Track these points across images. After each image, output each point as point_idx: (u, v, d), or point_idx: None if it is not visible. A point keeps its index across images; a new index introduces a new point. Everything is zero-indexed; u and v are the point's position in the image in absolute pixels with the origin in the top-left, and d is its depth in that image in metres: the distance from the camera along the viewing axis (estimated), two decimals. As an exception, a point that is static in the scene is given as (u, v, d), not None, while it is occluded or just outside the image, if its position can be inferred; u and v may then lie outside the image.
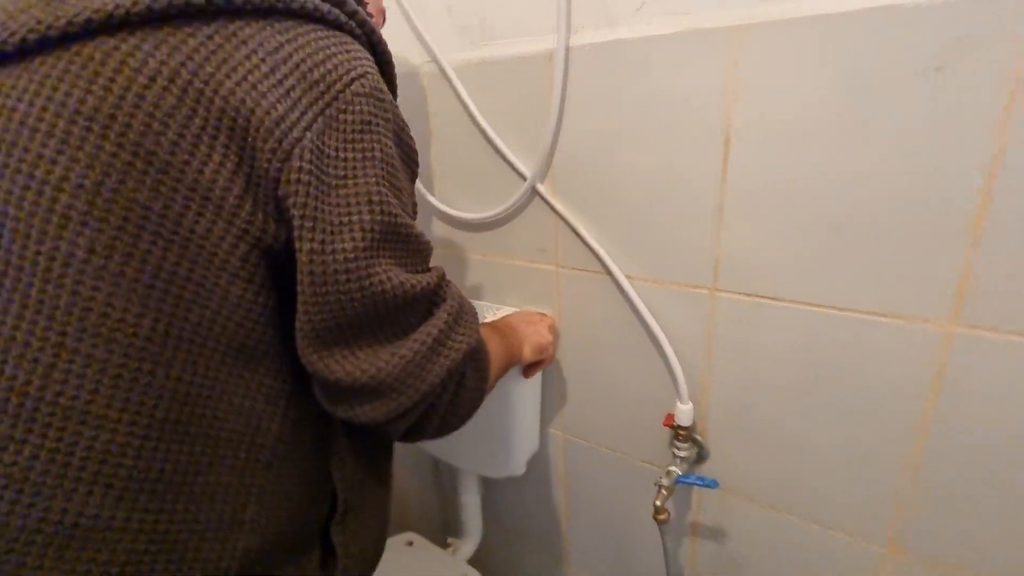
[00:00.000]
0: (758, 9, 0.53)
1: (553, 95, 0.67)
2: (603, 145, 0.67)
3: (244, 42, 0.35)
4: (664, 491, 0.67)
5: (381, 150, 0.40)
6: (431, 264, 0.48)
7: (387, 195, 0.40)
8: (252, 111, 0.35)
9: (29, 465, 0.32)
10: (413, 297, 0.42)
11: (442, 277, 0.47)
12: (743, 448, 0.69)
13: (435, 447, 0.94)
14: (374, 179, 0.40)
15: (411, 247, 0.44)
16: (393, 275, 0.41)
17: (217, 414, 0.38)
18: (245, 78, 0.35)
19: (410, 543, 1.01)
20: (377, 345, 0.42)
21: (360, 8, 0.44)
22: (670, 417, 0.69)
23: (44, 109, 0.32)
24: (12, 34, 0.32)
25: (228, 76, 0.34)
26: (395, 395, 0.42)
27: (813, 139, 0.53)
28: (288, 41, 0.37)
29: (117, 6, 0.32)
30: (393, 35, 0.81)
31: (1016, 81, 0.44)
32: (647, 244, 0.68)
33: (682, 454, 0.69)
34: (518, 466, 0.86)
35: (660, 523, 0.67)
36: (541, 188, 0.73)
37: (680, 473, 0.68)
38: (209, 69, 0.34)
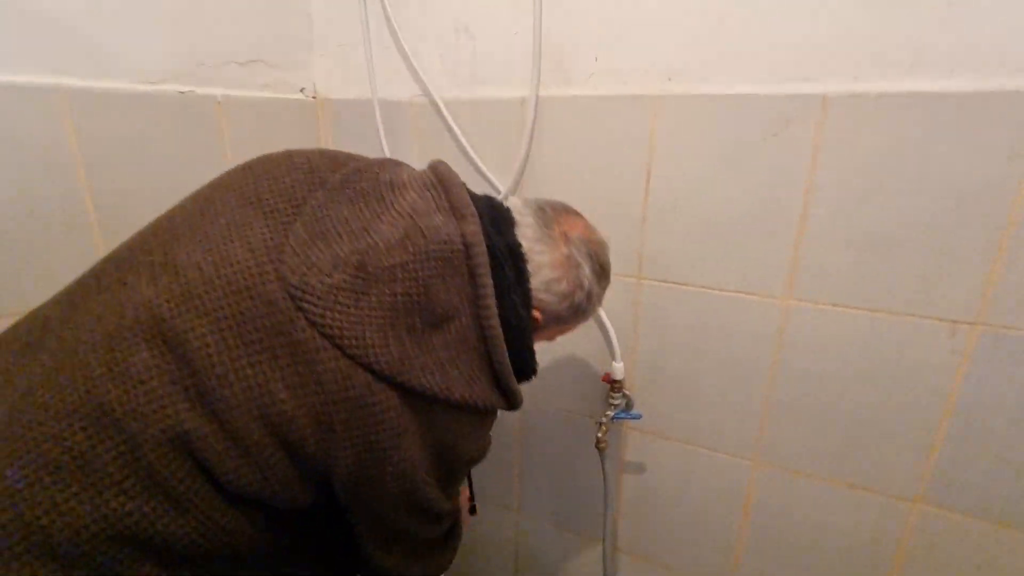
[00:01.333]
0: (668, 85, 0.79)
1: (524, 130, 0.90)
2: (561, 170, 0.90)
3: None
4: (604, 426, 0.90)
5: None
6: None
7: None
8: None
9: None
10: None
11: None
12: (658, 396, 0.93)
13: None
14: None
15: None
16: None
17: None
18: None
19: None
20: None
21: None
22: (608, 374, 0.93)
23: None
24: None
25: None
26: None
27: (702, 173, 0.80)
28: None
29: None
30: (392, 71, 1.01)
31: (815, 146, 0.72)
32: (592, 244, 0.91)
33: (615, 402, 0.92)
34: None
35: (601, 450, 0.90)
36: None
37: (614, 413, 0.91)
38: None
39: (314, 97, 1.10)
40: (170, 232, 0.49)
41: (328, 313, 0.44)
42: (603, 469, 0.95)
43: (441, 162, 0.56)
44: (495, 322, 0.49)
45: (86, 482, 0.41)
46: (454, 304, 0.48)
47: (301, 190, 0.49)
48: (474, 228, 0.49)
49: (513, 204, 0.60)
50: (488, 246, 0.49)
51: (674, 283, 0.86)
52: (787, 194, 0.75)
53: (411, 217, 0.48)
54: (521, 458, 1.13)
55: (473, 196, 0.54)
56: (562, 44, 0.85)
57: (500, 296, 0.50)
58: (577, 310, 0.59)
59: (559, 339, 0.99)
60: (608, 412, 0.92)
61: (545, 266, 0.55)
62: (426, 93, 0.98)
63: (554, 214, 0.59)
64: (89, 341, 0.44)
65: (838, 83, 0.69)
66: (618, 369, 0.91)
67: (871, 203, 0.71)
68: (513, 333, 0.52)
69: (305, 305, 0.44)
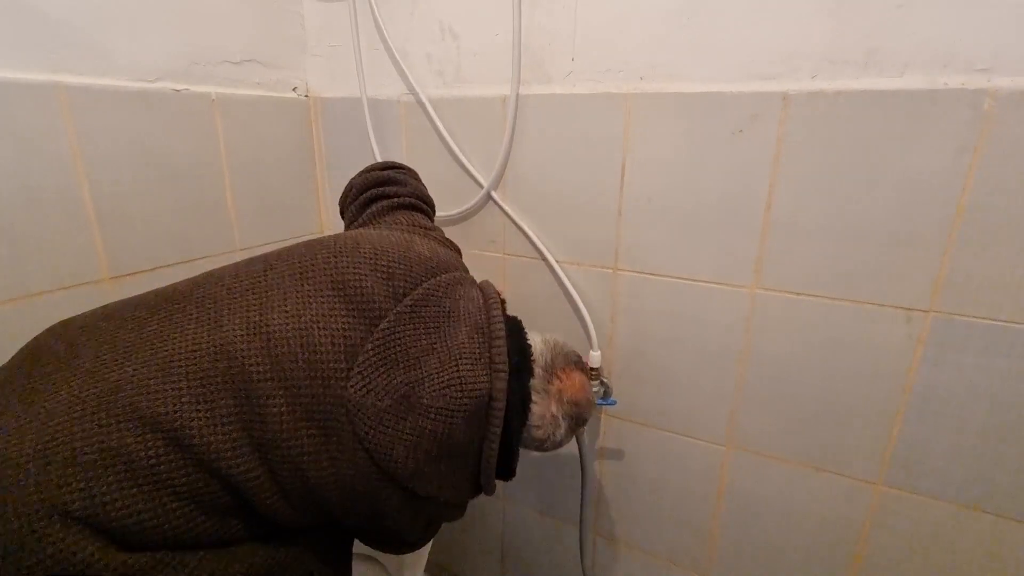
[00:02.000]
0: (639, 83, 0.83)
1: (506, 127, 0.93)
2: (541, 165, 0.94)
3: None
4: (581, 412, 0.93)
5: None
6: None
7: None
8: None
9: None
10: None
11: None
12: (635, 383, 0.97)
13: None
14: None
15: None
16: None
17: None
18: None
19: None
20: None
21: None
22: (585, 363, 0.96)
23: None
24: None
25: None
26: None
27: (673, 167, 0.83)
28: None
29: None
30: (381, 71, 1.04)
31: (778, 139, 0.76)
32: (571, 237, 0.95)
33: (593, 389, 0.96)
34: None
35: (578, 436, 0.93)
36: (495, 194, 0.99)
37: (592, 401, 0.94)
38: None
39: (307, 96, 1.14)
40: (264, 288, 0.58)
41: (372, 432, 0.54)
42: (580, 455, 0.99)
43: (492, 299, 0.64)
44: (493, 460, 0.60)
45: (149, 483, 0.49)
46: (468, 439, 0.58)
47: (379, 300, 0.58)
48: (501, 385, 0.57)
49: (535, 345, 0.69)
50: (508, 398, 0.58)
51: (649, 274, 0.90)
52: (753, 187, 0.79)
53: (456, 365, 0.57)
54: (506, 446, 1.17)
55: (508, 337, 0.62)
56: (541, 44, 0.89)
57: (502, 435, 0.60)
58: (540, 448, 0.70)
59: (539, 329, 1.03)
60: (586, 399, 0.95)
61: (534, 414, 0.65)
62: (413, 92, 1.02)
63: (559, 368, 0.69)
64: (183, 367, 0.53)
65: (798, 82, 0.73)
66: (595, 357, 0.94)
67: (831, 196, 0.74)
68: (503, 457, 0.62)
69: (357, 420, 0.54)
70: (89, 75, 0.78)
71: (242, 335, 0.54)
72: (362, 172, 0.86)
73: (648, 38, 0.81)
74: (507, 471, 0.65)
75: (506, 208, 0.99)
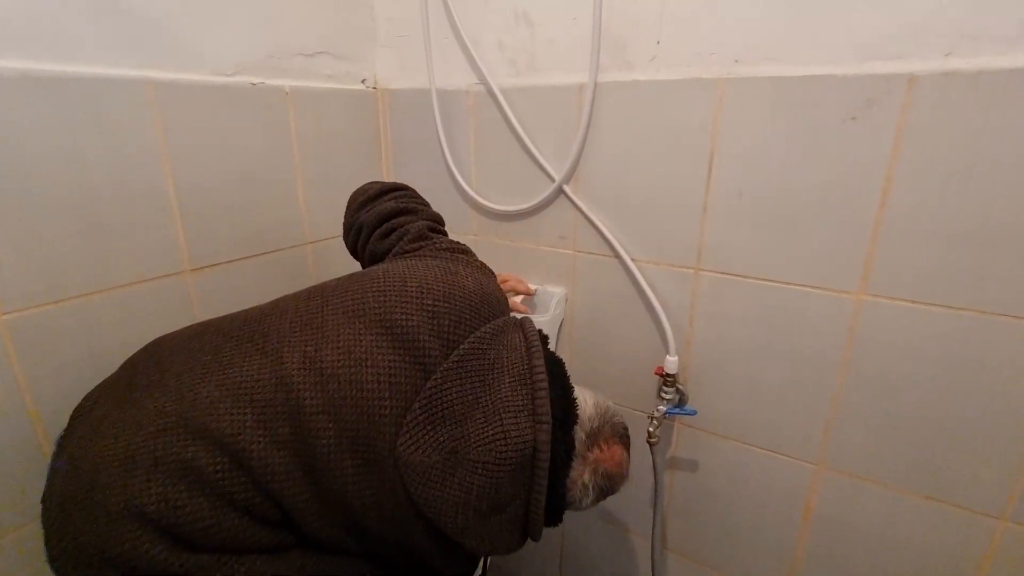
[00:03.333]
0: (734, 68, 0.76)
1: (582, 117, 0.88)
2: (618, 157, 0.88)
3: None
4: (656, 421, 0.88)
5: None
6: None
7: None
8: None
9: None
10: None
11: None
12: (714, 392, 0.90)
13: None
14: None
15: None
16: None
17: None
18: None
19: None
20: None
21: None
22: (660, 368, 0.90)
23: None
24: None
25: None
26: None
27: (769, 159, 0.76)
28: None
29: None
30: (451, 61, 1.01)
31: (899, 128, 0.67)
32: (649, 234, 0.89)
33: (668, 396, 0.90)
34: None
35: (652, 445, 0.88)
36: (567, 188, 0.94)
37: (667, 408, 0.89)
38: None
39: (375, 88, 1.13)
40: (320, 324, 0.61)
41: (419, 488, 0.55)
42: (653, 465, 0.93)
43: (534, 346, 0.62)
44: (541, 512, 0.59)
45: (214, 494, 0.54)
46: (514, 493, 0.57)
47: (424, 339, 0.59)
48: (545, 437, 0.56)
49: (585, 406, 0.66)
50: (552, 449, 0.57)
51: (735, 275, 0.83)
52: (865, 182, 0.70)
53: (500, 419, 0.56)
54: (569, 450, 1.13)
55: (552, 386, 0.60)
56: (623, 28, 0.83)
57: (550, 487, 0.59)
58: (569, 509, 0.67)
59: (610, 330, 0.98)
60: (660, 407, 0.89)
61: (567, 477, 0.63)
62: (483, 81, 0.98)
63: (603, 438, 0.66)
64: (247, 394, 0.57)
65: (927, 61, 0.64)
66: (672, 363, 0.88)
67: (960, 193, 0.65)
68: (552, 506, 0.61)
69: (405, 474, 0.55)
70: (175, 70, 0.79)
71: (299, 369, 0.58)
72: (363, 204, 0.82)
73: (746, 16, 0.74)
74: (555, 519, 0.64)
75: (578, 202, 0.94)
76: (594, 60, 0.85)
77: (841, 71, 0.68)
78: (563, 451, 0.60)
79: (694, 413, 0.89)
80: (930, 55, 0.64)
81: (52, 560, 0.57)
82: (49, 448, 0.70)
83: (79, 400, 0.67)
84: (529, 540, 0.64)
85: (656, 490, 0.96)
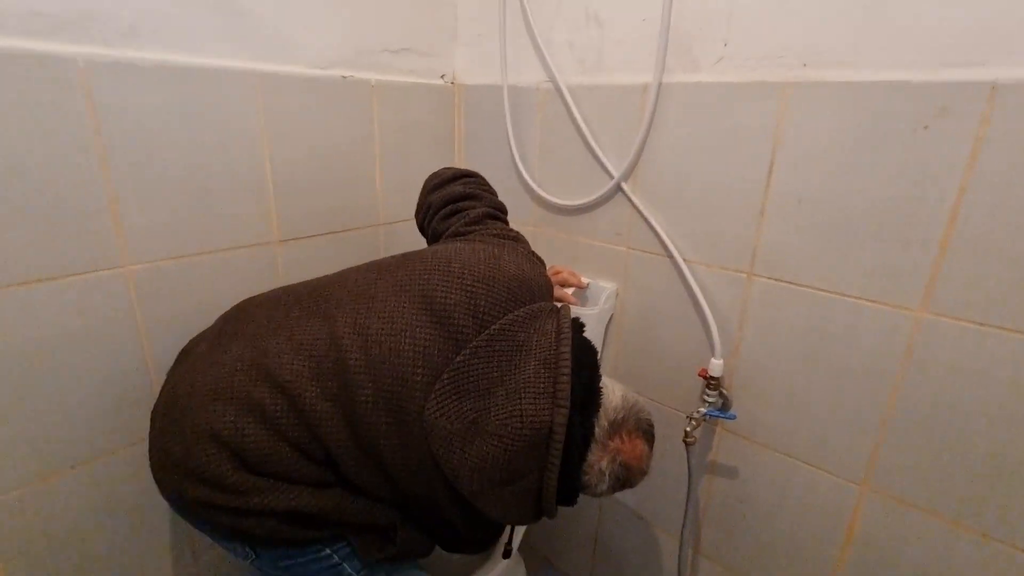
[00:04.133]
0: (801, 71, 0.74)
1: (644, 117, 0.90)
2: (678, 158, 0.89)
3: None
4: (694, 422, 0.88)
5: None
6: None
7: None
8: None
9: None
10: None
11: None
12: (758, 399, 0.89)
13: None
14: None
15: None
16: None
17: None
18: None
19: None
20: None
21: None
22: (704, 370, 0.90)
23: None
24: None
25: None
26: None
27: (833, 166, 0.74)
28: None
29: None
30: (523, 59, 1.06)
31: (977, 139, 0.63)
32: (703, 236, 0.89)
33: (710, 399, 0.90)
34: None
35: (688, 445, 0.89)
36: (624, 185, 0.96)
37: (707, 411, 0.89)
38: None
39: (452, 83, 1.20)
40: (371, 296, 0.69)
41: (441, 450, 0.61)
42: (688, 465, 0.93)
43: (564, 334, 0.65)
44: (553, 489, 0.62)
45: (273, 429, 0.64)
46: (528, 468, 0.61)
47: (459, 316, 0.65)
48: (562, 420, 0.59)
49: (607, 392, 0.69)
50: (568, 432, 0.60)
51: (789, 282, 0.81)
52: (934, 194, 0.67)
53: (520, 398, 0.60)
54: (609, 443, 1.15)
55: (578, 372, 0.63)
56: (691, 30, 0.84)
57: (563, 467, 0.61)
58: (584, 492, 0.70)
59: (657, 329, 1.00)
60: (701, 408, 0.90)
61: (586, 460, 0.66)
62: (552, 79, 1.02)
63: (626, 430, 0.68)
64: (307, 350, 0.66)
65: (1013, 68, 0.60)
66: (716, 366, 0.88)
67: (1045, 209, 0.61)
68: (565, 487, 0.64)
69: (432, 437, 0.62)
70: (277, 63, 0.90)
71: (348, 332, 0.66)
72: (436, 187, 0.89)
73: (817, 19, 0.72)
74: (568, 499, 0.67)
75: (635, 200, 0.96)
76: (660, 61, 0.86)
77: (916, 77, 0.66)
78: (580, 435, 0.63)
79: (734, 417, 0.88)
80: (1016, 62, 0.60)
81: (152, 468, 0.69)
82: (158, 380, 0.83)
83: (182, 343, 0.79)
84: (548, 519, 0.67)
85: (689, 491, 0.96)
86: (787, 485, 0.89)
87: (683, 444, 0.91)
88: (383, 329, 0.65)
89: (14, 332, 0.70)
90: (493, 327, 0.64)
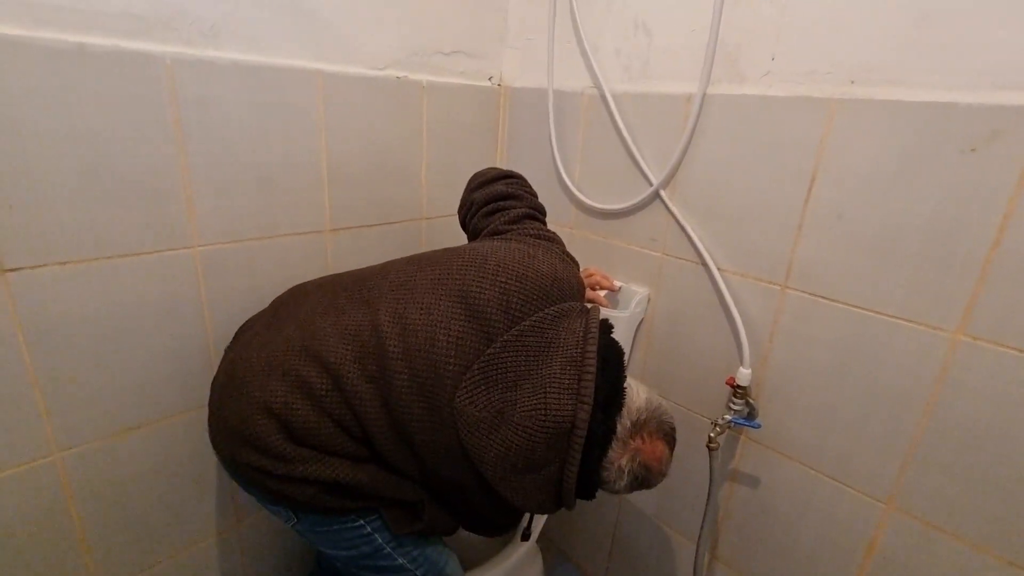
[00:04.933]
0: (848, 88, 0.75)
1: (687, 126, 0.91)
2: (717, 168, 0.90)
3: None
4: (719, 428, 0.90)
5: None
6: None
7: None
8: None
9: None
10: None
11: None
12: (785, 411, 0.89)
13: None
14: None
15: None
16: None
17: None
18: None
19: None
20: None
21: None
22: (732, 378, 0.92)
23: None
24: None
25: None
26: None
27: (875, 184, 0.74)
28: None
29: None
30: (569, 64, 1.09)
31: (1026, 166, 0.63)
32: (739, 246, 0.90)
33: (736, 408, 0.91)
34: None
35: (711, 450, 0.90)
36: (663, 193, 0.98)
37: (732, 418, 0.90)
38: None
39: (499, 85, 1.24)
40: (412, 287, 0.73)
41: (469, 436, 0.65)
42: (710, 471, 0.95)
43: (591, 334, 0.67)
44: (572, 482, 0.65)
45: (318, 405, 0.69)
46: (549, 459, 0.64)
47: (492, 312, 0.68)
48: (584, 416, 0.62)
49: (636, 397, 0.71)
50: (589, 427, 0.63)
51: (823, 297, 0.82)
52: (979, 218, 0.67)
53: (544, 393, 0.63)
54: (633, 444, 1.17)
55: (603, 371, 0.66)
56: (739, 42, 0.85)
57: (583, 461, 0.64)
58: (603, 488, 0.72)
59: (687, 335, 1.01)
60: (726, 416, 0.91)
61: (607, 456, 0.68)
62: (597, 85, 1.05)
63: (648, 431, 0.70)
64: (351, 333, 0.71)
65: (1070, 94, 0.60)
66: (744, 375, 0.89)
67: (1093, 239, 0.60)
68: (584, 480, 0.67)
69: (460, 423, 0.65)
70: (339, 63, 0.96)
71: (388, 321, 0.70)
72: (479, 185, 0.93)
73: (865, 37, 0.72)
74: (587, 493, 0.69)
75: (672, 208, 0.97)
76: (706, 71, 0.88)
77: (966, 99, 0.66)
78: (602, 432, 0.66)
79: (759, 426, 0.89)
80: (1074, 89, 0.59)
81: (210, 433, 0.76)
82: (216, 353, 0.91)
83: (239, 320, 0.86)
84: (567, 510, 0.70)
85: (709, 497, 0.97)
86: (810, 498, 0.90)
87: (707, 449, 0.92)
88: (420, 320, 0.69)
89: (97, 301, 0.77)
90: (524, 323, 0.68)
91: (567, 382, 0.63)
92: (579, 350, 0.66)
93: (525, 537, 0.89)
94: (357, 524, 0.76)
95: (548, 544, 1.45)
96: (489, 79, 1.23)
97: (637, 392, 0.72)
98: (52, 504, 0.80)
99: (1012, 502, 0.70)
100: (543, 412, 0.62)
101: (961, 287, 0.69)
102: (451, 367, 0.66)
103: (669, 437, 0.73)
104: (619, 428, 0.68)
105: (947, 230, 0.69)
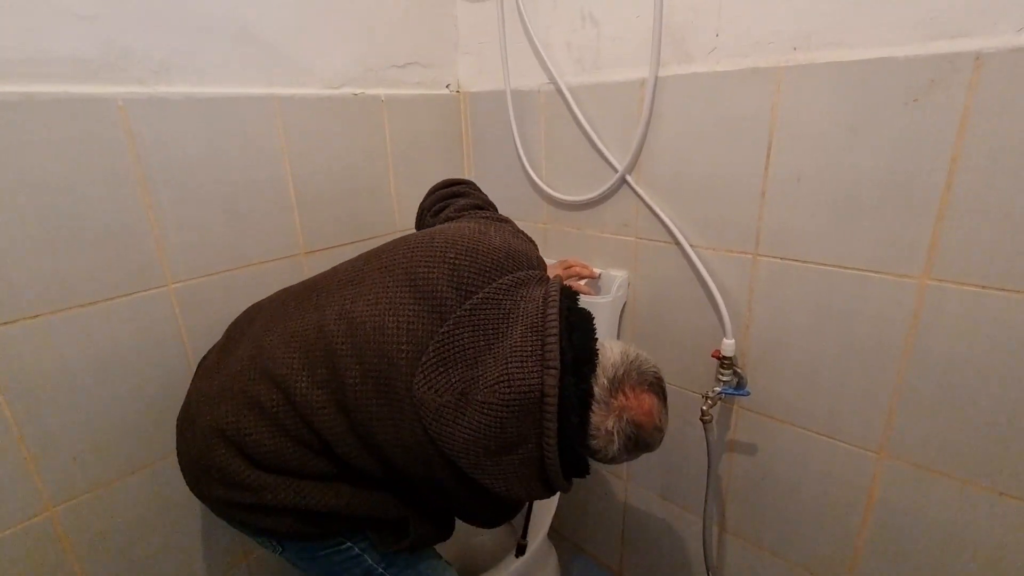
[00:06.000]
0: (792, 55, 0.77)
1: (643, 111, 0.93)
2: (678, 148, 0.92)
3: None
4: (710, 400, 0.91)
5: None
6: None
7: None
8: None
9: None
10: None
11: None
12: (771, 376, 0.91)
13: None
14: None
15: None
16: None
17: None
18: None
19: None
20: None
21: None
22: (717, 351, 0.93)
23: None
24: None
25: None
26: None
27: (829, 144, 0.76)
28: None
29: None
30: (524, 63, 1.10)
31: (966, 108, 0.65)
32: (707, 220, 0.92)
33: (725, 379, 0.93)
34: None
35: (705, 423, 0.92)
36: (629, 178, 1.00)
37: (721, 389, 0.92)
38: None
39: (457, 91, 1.25)
40: (359, 281, 0.70)
41: (434, 425, 0.61)
42: (707, 443, 0.96)
43: (552, 297, 0.64)
44: (554, 457, 0.60)
45: (273, 425, 0.66)
46: (524, 435, 0.60)
47: (443, 290, 0.64)
48: (552, 381, 0.58)
49: (610, 353, 0.66)
50: (561, 393, 0.59)
51: (794, 260, 0.84)
52: (929, 164, 0.69)
53: (506, 363, 0.59)
54: (631, 428, 1.18)
55: (571, 333, 0.63)
56: (682, 23, 0.87)
57: (562, 432, 0.60)
58: (594, 458, 0.67)
59: (669, 314, 1.03)
60: (716, 388, 0.92)
61: (591, 423, 0.64)
62: (552, 81, 1.06)
63: (629, 385, 0.65)
64: (297, 341, 0.68)
65: (997, 37, 0.62)
66: (728, 346, 0.91)
67: (1036, 172, 0.62)
68: (570, 454, 0.63)
69: (422, 412, 0.61)
70: (293, 86, 0.96)
71: (334, 319, 0.67)
72: (428, 194, 0.95)
73: (803, 3, 0.75)
74: (578, 469, 0.65)
75: (640, 191, 0.99)
76: (655, 55, 0.90)
77: (902, 52, 0.68)
78: (576, 397, 0.61)
79: (748, 394, 0.91)
80: (1000, 31, 0.62)
81: (182, 473, 0.74)
82: (202, 389, 0.90)
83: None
84: (563, 492, 0.66)
85: (709, 470, 0.99)
86: (806, 458, 0.91)
87: (701, 423, 0.94)
88: (367, 311, 0.65)
89: (75, 351, 0.77)
90: (477, 296, 0.63)
91: (530, 349, 0.59)
92: (540, 315, 0.61)
93: (520, 552, 0.84)
94: (344, 547, 0.73)
95: (560, 540, 1.45)
96: (447, 87, 1.24)
97: (611, 348, 0.67)
98: (54, 561, 0.79)
99: (994, 434, 0.72)
100: (507, 384, 0.58)
101: (921, 233, 0.72)
102: (404, 354, 0.62)
103: (655, 387, 0.67)
104: (596, 390, 0.63)
105: (901, 180, 0.72)
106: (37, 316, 0.73)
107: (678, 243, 0.96)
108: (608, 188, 1.03)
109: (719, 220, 0.91)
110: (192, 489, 0.72)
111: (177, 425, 0.76)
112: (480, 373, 0.60)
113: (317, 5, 0.97)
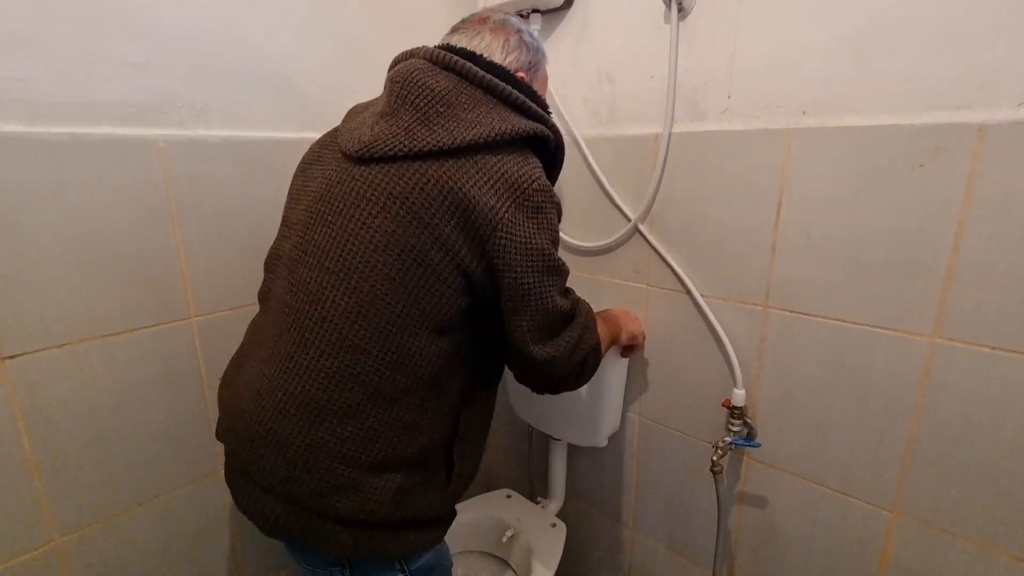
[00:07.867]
0: (802, 119, 0.81)
1: (657, 164, 0.97)
2: (691, 200, 0.95)
3: (479, 165, 0.64)
4: (720, 450, 0.91)
5: (548, 222, 0.68)
6: (569, 285, 0.74)
7: (551, 249, 0.68)
8: (476, 201, 0.62)
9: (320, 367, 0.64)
10: (564, 313, 0.70)
11: (576, 301, 0.74)
12: (782, 428, 0.91)
13: (532, 418, 1.22)
14: (545, 239, 0.67)
15: (562, 276, 0.71)
16: (556, 298, 0.69)
17: (420, 362, 0.66)
18: (475, 184, 0.63)
19: (508, 496, 1.28)
20: (548, 340, 0.69)
21: (553, 132, 0.73)
22: (727, 400, 0.94)
23: (376, 189, 0.64)
24: (389, 147, 0.64)
25: (466, 183, 0.62)
26: (558, 367, 0.70)
27: (837, 204, 0.79)
28: (500, 162, 0.64)
29: (429, 147, 0.63)
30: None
31: (971, 175, 0.68)
32: (718, 272, 0.94)
33: (735, 429, 0.93)
34: (602, 439, 1.12)
35: (715, 474, 0.91)
36: (641, 227, 1.03)
37: (732, 439, 0.92)
38: (458, 179, 0.63)
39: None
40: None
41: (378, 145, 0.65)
42: (717, 493, 0.95)
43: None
44: (483, 76, 0.66)
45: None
46: (449, 86, 0.65)
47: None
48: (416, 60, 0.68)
49: (433, 50, 0.70)
50: (435, 57, 0.67)
51: (803, 313, 0.85)
52: (935, 228, 0.72)
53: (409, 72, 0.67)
54: (637, 475, 1.17)
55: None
56: (696, 84, 0.91)
57: (487, 70, 0.67)
58: (537, 50, 0.75)
59: (679, 362, 1.03)
60: (726, 438, 0.92)
61: (487, 44, 0.72)
62: (568, 132, 1.11)
63: (462, 22, 0.76)
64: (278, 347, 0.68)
65: (998, 111, 0.65)
66: (739, 396, 0.92)
67: (1041, 239, 0.64)
68: (512, 91, 0.68)
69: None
70: (321, 131, 1.00)
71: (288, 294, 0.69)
72: None
73: (813, 72, 0.79)
74: (537, 102, 0.70)
75: (652, 240, 1.02)
76: (669, 113, 0.94)
77: (908, 121, 0.71)
78: (446, 50, 0.68)
79: (758, 445, 0.91)
80: (1000, 106, 0.65)
81: (249, 501, 0.70)
82: (213, 417, 0.90)
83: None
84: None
85: (719, 521, 0.97)
86: (818, 513, 0.90)
87: (711, 474, 0.93)
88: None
89: (97, 380, 0.78)
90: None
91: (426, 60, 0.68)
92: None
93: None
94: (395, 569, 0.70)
95: (564, 589, 1.41)
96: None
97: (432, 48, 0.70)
98: (53, 594, 0.78)
99: (1009, 497, 0.72)
100: (408, 77, 0.66)
101: (930, 293, 0.73)
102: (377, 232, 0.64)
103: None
104: (459, 37, 0.74)
105: (909, 240, 0.74)
106: (64, 345, 0.75)
107: (689, 292, 0.98)
108: (621, 236, 1.06)
109: (729, 271, 0.93)
110: (258, 504, 0.68)
111: (234, 452, 0.71)
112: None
113: (350, 60, 1.03)
